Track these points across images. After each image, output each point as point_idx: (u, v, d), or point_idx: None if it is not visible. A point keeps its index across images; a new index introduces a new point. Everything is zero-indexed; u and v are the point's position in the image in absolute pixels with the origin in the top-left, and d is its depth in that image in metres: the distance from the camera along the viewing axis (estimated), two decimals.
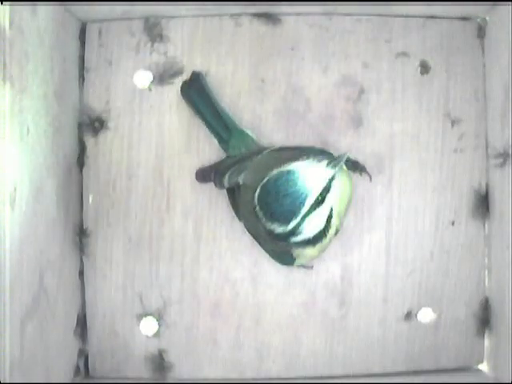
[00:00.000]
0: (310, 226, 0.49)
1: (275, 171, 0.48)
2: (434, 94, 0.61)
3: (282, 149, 0.56)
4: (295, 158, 0.49)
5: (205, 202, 0.61)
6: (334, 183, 0.49)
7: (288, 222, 0.48)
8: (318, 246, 0.51)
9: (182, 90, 0.60)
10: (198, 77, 0.60)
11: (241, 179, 0.55)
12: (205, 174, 0.59)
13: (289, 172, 0.48)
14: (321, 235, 0.50)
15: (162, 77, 0.61)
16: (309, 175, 0.47)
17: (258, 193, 0.49)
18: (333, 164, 0.48)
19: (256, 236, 0.56)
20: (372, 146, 0.61)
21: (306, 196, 0.47)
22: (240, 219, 0.57)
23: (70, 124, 0.59)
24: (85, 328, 0.61)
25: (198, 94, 0.59)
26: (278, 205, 0.48)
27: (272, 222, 0.49)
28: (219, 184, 0.57)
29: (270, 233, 0.49)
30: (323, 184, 0.48)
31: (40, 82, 0.52)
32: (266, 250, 0.56)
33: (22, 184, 0.48)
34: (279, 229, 0.49)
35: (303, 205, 0.47)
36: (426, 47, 0.61)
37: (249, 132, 0.59)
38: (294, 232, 0.49)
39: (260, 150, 0.56)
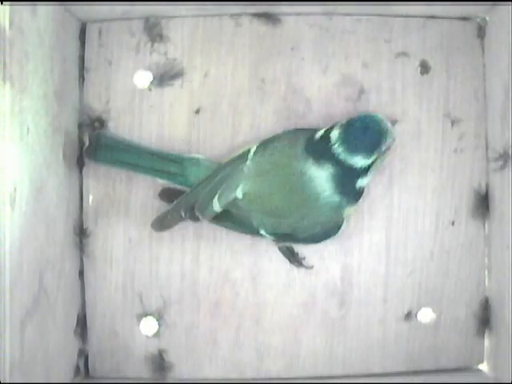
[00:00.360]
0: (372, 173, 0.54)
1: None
2: (434, 94, 0.61)
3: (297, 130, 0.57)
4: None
5: None
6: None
7: (371, 152, 0.52)
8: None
9: (88, 156, 0.59)
10: (99, 136, 0.59)
11: (240, 193, 0.55)
12: (164, 221, 0.58)
13: (374, 116, 0.53)
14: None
15: (162, 77, 0.61)
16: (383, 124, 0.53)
17: (340, 131, 0.52)
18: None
19: (293, 224, 0.55)
20: None
21: (386, 138, 0.52)
22: (253, 231, 0.57)
23: (70, 124, 0.59)
24: (85, 328, 0.61)
25: (110, 152, 0.58)
26: (365, 137, 0.52)
27: (356, 154, 0.52)
28: (202, 216, 0.56)
29: (350, 168, 0.52)
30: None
31: (40, 82, 0.52)
32: (308, 232, 0.56)
33: (21, 184, 0.48)
34: (361, 162, 0.52)
35: (383, 143, 0.52)
36: (426, 47, 0.61)
37: (195, 155, 0.59)
38: (369, 168, 0.53)
39: (241, 156, 0.56)
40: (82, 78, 0.61)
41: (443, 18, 0.61)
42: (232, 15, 0.61)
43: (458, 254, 0.61)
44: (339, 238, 0.60)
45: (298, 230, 0.55)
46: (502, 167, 0.58)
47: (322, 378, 0.61)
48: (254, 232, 0.57)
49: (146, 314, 0.61)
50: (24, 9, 0.48)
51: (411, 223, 0.61)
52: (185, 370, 0.61)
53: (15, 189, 0.47)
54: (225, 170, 0.56)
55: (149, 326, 0.60)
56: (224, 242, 0.61)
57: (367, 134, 0.52)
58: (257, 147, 0.56)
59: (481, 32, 0.61)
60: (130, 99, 0.61)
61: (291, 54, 0.61)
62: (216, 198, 0.55)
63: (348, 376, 0.61)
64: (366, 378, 0.61)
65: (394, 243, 0.61)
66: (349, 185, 0.53)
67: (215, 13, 0.61)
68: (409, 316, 0.61)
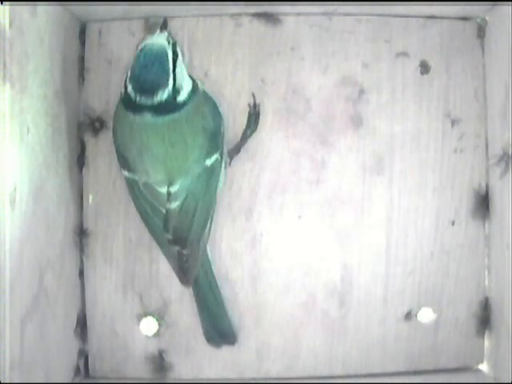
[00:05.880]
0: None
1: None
2: (434, 94, 0.61)
3: None
4: None
5: None
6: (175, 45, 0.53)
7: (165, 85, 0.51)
8: None
9: None
10: None
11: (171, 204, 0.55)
12: None
13: (141, 50, 0.52)
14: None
15: None
16: (154, 45, 0.52)
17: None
18: (164, 27, 0.54)
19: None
20: (372, 146, 0.61)
21: (166, 59, 0.52)
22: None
23: (70, 124, 0.59)
24: (85, 328, 0.61)
25: None
26: (148, 75, 0.51)
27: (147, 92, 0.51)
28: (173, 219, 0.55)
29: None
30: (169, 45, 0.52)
31: (40, 82, 0.52)
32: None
33: (21, 184, 0.48)
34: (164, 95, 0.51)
35: (168, 69, 0.51)
36: (426, 47, 0.61)
37: None
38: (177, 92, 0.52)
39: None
40: (82, 78, 0.61)
41: (443, 18, 0.61)
42: (232, 15, 0.61)
43: (458, 254, 0.61)
44: (339, 238, 0.60)
45: (205, 125, 0.55)
46: (502, 167, 0.58)
47: (321, 378, 0.61)
48: (210, 175, 0.55)
49: (145, 314, 0.61)
50: (24, 9, 0.48)
51: (411, 223, 0.61)
52: (185, 370, 0.61)
53: (15, 189, 0.47)
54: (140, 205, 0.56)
55: (149, 325, 0.60)
56: (224, 242, 0.61)
57: (148, 71, 0.51)
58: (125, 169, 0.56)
59: (481, 32, 0.61)
60: None
61: (291, 54, 0.61)
62: (161, 208, 0.55)
63: (348, 376, 0.61)
64: (366, 378, 0.61)
65: (394, 243, 0.61)
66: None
67: (215, 13, 0.61)
68: (409, 316, 0.61)
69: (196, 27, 0.61)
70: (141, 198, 0.56)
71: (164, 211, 0.55)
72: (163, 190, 0.54)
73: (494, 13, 0.59)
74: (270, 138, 0.61)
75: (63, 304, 0.57)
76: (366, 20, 0.61)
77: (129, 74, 0.52)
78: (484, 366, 0.61)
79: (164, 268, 0.61)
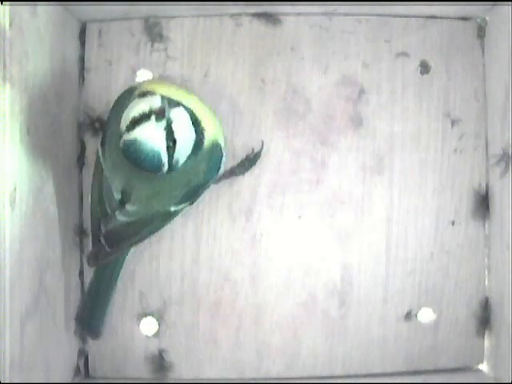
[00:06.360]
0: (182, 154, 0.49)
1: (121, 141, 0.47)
2: (434, 94, 0.61)
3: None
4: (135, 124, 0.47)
5: (205, 202, 0.60)
6: (173, 125, 0.48)
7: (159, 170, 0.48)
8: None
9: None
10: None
11: (118, 193, 0.53)
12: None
13: (132, 142, 0.47)
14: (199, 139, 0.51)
15: (162, 77, 0.61)
16: (149, 140, 0.47)
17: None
18: (160, 117, 0.47)
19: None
20: (372, 146, 0.61)
21: (159, 156, 0.47)
22: (167, 216, 0.54)
23: (70, 124, 0.59)
24: None
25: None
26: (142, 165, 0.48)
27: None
28: (115, 211, 0.53)
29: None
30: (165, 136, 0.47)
31: (40, 82, 0.52)
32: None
33: (21, 184, 0.48)
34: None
35: (162, 160, 0.48)
36: (426, 47, 0.61)
37: None
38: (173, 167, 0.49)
39: (96, 168, 0.55)
40: (82, 78, 0.61)
41: (443, 18, 0.61)
42: (232, 15, 0.61)
43: (458, 254, 0.61)
44: (339, 238, 0.60)
45: (193, 180, 0.53)
46: (502, 167, 0.58)
47: (321, 378, 0.61)
48: (169, 216, 0.54)
49: (145, 314, 0.61)
50: (24, 9, 0.48)
51: (411, 223, 0.61)
52: (185, 370, 0.61)
53: (15, 189, 0.47)
54: (95, 184, 0.55)
55: (149, 325, 0.60)
56: (224, 242, 0.61)
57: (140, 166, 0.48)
58: (100, 149, 0.54)
59: (481, 32, 0.61)
60: None
61: (291, 54, 0.61)
62: (109, 211, 0.53)
63: (348, 376, 0.61)
64: (366, 378, 0.61)
65: (394, 243, 0.61)
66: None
67: (215, 13, 0.61)
68: (409, 316, 0.61)
69: (196, 27, 0.61)
70: (97, 181, 0.54)
71: (109, 212, 0.53)
72: (117, 196, 0.53)
73: (494, 13, 0.59)
74: (270, 138, 0.61)
75: (63, 304, 0.57)
76: (365, 20, 0.61)
77: (124, 138, 0.47)
78: (484, 366, 0.61)
79: (164, 268, 0.61)
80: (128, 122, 0.47)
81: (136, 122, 0.46)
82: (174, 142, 0.48)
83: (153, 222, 0.54)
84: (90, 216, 0.56)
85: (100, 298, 0.57)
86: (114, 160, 0.52)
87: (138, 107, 0.47)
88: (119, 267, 0.57)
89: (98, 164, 0.55)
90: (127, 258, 0.57)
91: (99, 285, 0.57)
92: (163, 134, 0.47)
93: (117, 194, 0.53)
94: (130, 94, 0.52)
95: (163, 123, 0.47)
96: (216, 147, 0.53)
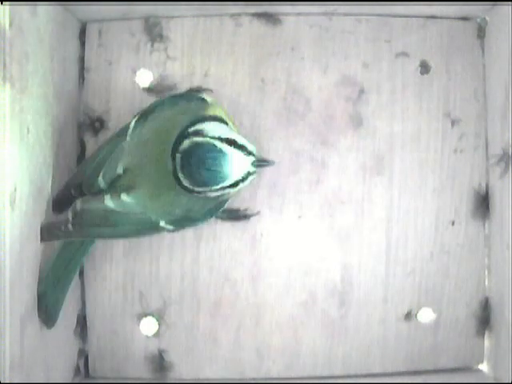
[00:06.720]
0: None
1: (199, 139, 0.49)
2: (434, 94, 0.61)
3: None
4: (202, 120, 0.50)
5: None
6: (249, 177, 0.51)
7: (200, 186, 0.50)
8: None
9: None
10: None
11: (120, 168, 0.52)
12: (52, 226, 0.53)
13: (220, 151, 0.49)
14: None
15: (162, 77, 0.61)
16: (235, 163, 0.49)
17: (180, 158, 0.49)
18: (257, 163, 0.50)
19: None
20: (372, 146, 0.61)
21: (224, 180, 0.49)
22: (153, 227, 0.53)
23: (70, 124, 0.59)
24: (85, 328, 0.61)
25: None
26: (198, 174, 0.49)
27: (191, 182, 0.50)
28: (89, 193, 0.53)
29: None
30: (242, 175, 0.50)
31: (40, 82, 0.52)
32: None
33: (21, 184, 0.48)
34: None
35: (217, 185, 0.49)
36: (426, 47, 0.61)
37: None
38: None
39: (121, 132, 0.54)
40: (82, 78, 0.61)
41: (443, 18, 0.61)
42: (232, 15, 0.61)
43: (458, 254, 0.61)
44: (339, 238, 0.60)
45: (192, 209, 0.53)
46: (502, 167, 0.58)
47: (321, 378, 0.61)
48: (154, 228, 0.53)
49: (145, 314, 0.61)
50: (24, 9, 0.48)
51: (411, 223, 0.61)
52: (185, 370, 0.61)
53: (15, 189, 0.47)
54: (107, 146, 0.54)
55: (149, 325, 0.60)
56: (224, 242, 0.61)
57: (200, 172, 0.49)
58: (136, 120, 0.53)
59: (481, 32, 0.61)
60: (131, 99, 0.61)
61: (291, 54, 0.61)
62: (100, 176, 0.52)
63: (348, 376, 0.61)
64: (366, 378, 0.61)
65: (394, 243, 0.61)
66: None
67: (215, 13, 0.61)
68: (409, 316, 0.61)
69: (196, 27, 0.61)
70: (109, 145, 0.54)
71: (102, 186, 0.52)
72: (119, 171, 0.52)
73: (494, 13, 0.59)
74: (270, 137, 0.61)
75: (63, 304, 0.57)
76: (365, 20, 0.61)
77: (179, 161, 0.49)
78: (484, 366, 0.61)
79: (164, 268, 0.61)
80: (220, 135, 0.49)
81: (231, 143, 0.49)
82: (243, 181, 0.50)
83: (134, 225, 0.53)
84: (72, 174, 0.55)
85: (56, 285, 0.53)
86: (143, 140, 0.52)
87: (238, 138, 0.50)
88: (85, 249, 0.55)
89: (122, 132, 0.54)
90: (93, 241, 0.55)
91: (57, 270, 0.54)
92: (249, 167, 0.50)
93: (119, 169, 0.52)
94: (195, 100, 0.53)
95: (252, 161, 0.50)
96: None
